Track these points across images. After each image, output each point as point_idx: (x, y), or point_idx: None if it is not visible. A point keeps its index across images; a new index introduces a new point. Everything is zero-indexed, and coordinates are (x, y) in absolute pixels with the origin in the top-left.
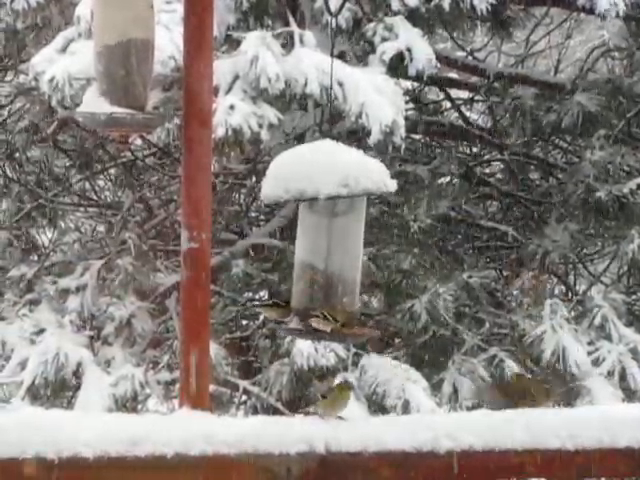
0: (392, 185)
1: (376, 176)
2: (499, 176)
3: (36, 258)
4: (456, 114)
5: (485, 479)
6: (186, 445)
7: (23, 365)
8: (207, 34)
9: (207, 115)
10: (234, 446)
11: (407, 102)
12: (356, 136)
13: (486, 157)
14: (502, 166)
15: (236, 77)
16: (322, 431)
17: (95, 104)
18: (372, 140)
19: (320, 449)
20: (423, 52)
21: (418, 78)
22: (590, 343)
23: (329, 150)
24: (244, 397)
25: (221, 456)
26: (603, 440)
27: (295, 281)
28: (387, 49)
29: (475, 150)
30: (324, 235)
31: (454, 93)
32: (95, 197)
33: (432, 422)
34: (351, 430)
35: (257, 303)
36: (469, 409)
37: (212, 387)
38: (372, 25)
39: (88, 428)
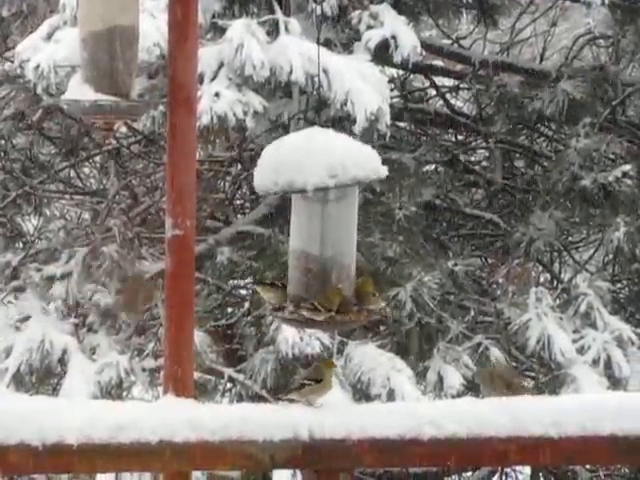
0: (383, 171)
1: (366, 163)
2: (484, 164)
3: (21, 245)
4: (441, 102)
5: (469, 466)
6: (171, 432)
7: (8, 352)
8: (192, 21)
9: (192, 102)
10: (218, 433)
11: (392, 90)
12: (341, 124)
13: (471, 145)
14: (487, 154)
15: (221, 65)
16: (306, 418)
17: (80, 91)
18: (357, 128)
19: (304, 436)
20: (408, 40)
21: (403, 66)
22: (575, 331)
23: (318, 138)
24: (229, 385)
25: (205, 443)
26: (586, 428)
27: (290, 268)
28: (372, 37)
29: (460, 138)
30: (318, 222)
31: (439, 81)
32: (80, 184)
33: (416, 409)
34: (335, 417)
35: (255, 283)
36: (454, 397)
37: (197, 374)
38: (357, 13)
39: (72, 415)
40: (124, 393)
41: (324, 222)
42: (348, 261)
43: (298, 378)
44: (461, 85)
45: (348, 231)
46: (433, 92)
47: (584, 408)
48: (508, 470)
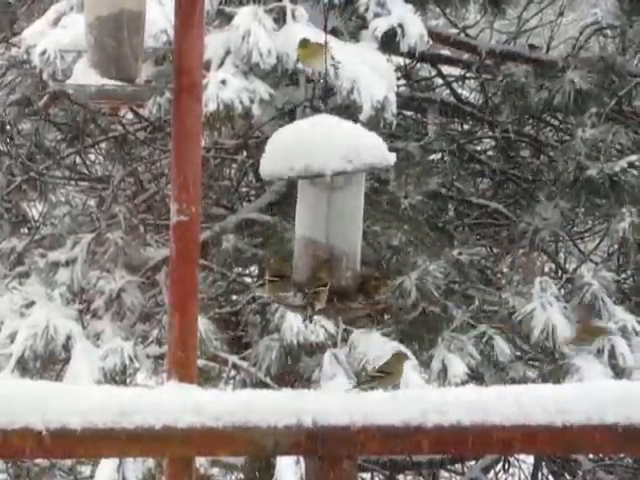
0: (392, 158)
1: (376, 149)
2: (490, 153)
3: (26, 231)
4: (448, 91)
5: (473, 454)
6: (175, 417)
7: (12, 338)
8: (198, 8)
9: (197, 89)
10: (222, 419)
11: (399, 78)
12: (347, 112)
13: (477, 134)
14: (493, 143)
15: (228, 52)
16: (310, 405)
17: (85, 76)
18: (363, 116)
19: (308, 423)
20: (415, 29)
21: (410, 54)
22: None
23: (328, 125)
24: (233, 372)
25: (209, 428)
26: (591, 416)
27: (296, 256)
28: (379, 25)
29: (466, 127)
30: (324, 209)
31: (446, 70)
32: (86, 171)
33: (421, 397)
34: (339, 404)
35: (259, 283)
36: (458, 386)
37: (201, 362)
38: (365, 1)
39: (76, 399)
40: (128, 379)
41: (330, 209)
42: (354, 249)
43: (370, 370)
44: (468, 74)
45: (354, 219)
46: (440, 81)
47: (589, 396)
48: (511, 459)
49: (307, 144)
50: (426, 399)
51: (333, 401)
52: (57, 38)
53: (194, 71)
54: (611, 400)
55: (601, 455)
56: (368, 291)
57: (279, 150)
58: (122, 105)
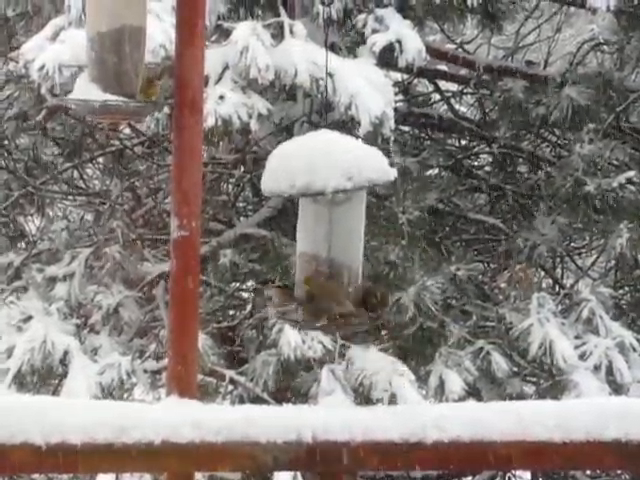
0: (392, 173)
1: (377, 165)
2: (487, 169)
3: (24, 246)
4: (445, 106)
5: (472, 470)
6: (174, 432)
7: (9, 353)
8: (199, 22)
9: (198, 103)
10: (222, 434)
11: (397, 94)
12: (345, 127)
13: (475, 150)
14: (491, 159)
15: (226, 67)
16: (310, 420)
17: (86, 91)
18: (361, 131)
19: (307, 438)
20: (413, 44)
21: (408, 70)
22: (577, 337)
23: (328, 141)
24: (230, 387)
25: (209, 444)
26: (591, 432)
27: (298, 271)
28: (378, 40)
29: (464, 143)
30: (325, 224)
31: (443, 85)
32: (83, 185)
33: (420, 413)
34: (339, 419)
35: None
36: (455, 402)
37: (198, 376)
38: (362, 16)
39: (76, 414)
40: (125, 395)
41: (332, 224)
42: (355, 264)
43: None
44: (465, 90)
45: (356, 234)
46: (437, 96)
47: (589, 412)
48: (508, 474)
49: (308, 160)
50: (425, 414)
51: (333, 416)
52: (55, 53)
53: (195, 86)
54: (611, 416)
55: (599, 471)
56: (369, 306)
57: (280, 166)
58: (123, 120)
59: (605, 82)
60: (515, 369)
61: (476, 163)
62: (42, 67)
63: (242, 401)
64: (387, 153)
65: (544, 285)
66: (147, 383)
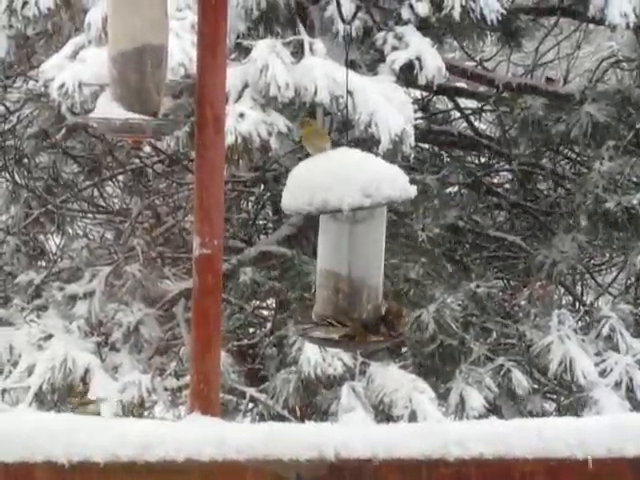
0: (412, 190)
1: (396, 182)
2: (507, 186)
3: (44, 264)
4: (465, 124)
5: None
6: (197, 450)
7: (30, 371)
8: (222, 39)
9: (220, 121)
10: (244, 452)
11: (416, 111)
12: (365, 145)
13: (494, 167)
14: (510, 176)
15: (246, 85)
16: (332, 438)
17: (108, 109)
18: (381, 149)
19: (330, 455)
20: (433, 61)
21: (427, 87)
22: (597, 354)
23: (347, 158)
24: (251, 405)
25: (231, 461)
26: (612, 449)
27: (318, 288)
28: (397, 58)
29: (483, 160)
30: (345, 242)
31: (463, 103)
32: (103, 203)
33: (442, 430)
34: (361, 437)
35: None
36: (476, 418)
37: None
38: (382, 34)
39: (98, 432)
40: (146, 412)
41: (352, 242)
42: (376, 282)
43: None
44: (485, 107)
45: (376, 251)
46: (457, 114)
47: (610, 429)
48: None
49: (326, 178)
50: (448, 432)
51: (355, 434)
52: (75, 71)
53: (218, 103)
54: (633, 433)
55: None
56: (389, 324)
57: (299, 184)
58: (145, 138)
59: (624, 99)
60: (535, 386)
61: (496, 180)
62: (62, 85)
63: (262, 419)
64: (407, 170)
65: (564, 302)
66: (167, 401)
